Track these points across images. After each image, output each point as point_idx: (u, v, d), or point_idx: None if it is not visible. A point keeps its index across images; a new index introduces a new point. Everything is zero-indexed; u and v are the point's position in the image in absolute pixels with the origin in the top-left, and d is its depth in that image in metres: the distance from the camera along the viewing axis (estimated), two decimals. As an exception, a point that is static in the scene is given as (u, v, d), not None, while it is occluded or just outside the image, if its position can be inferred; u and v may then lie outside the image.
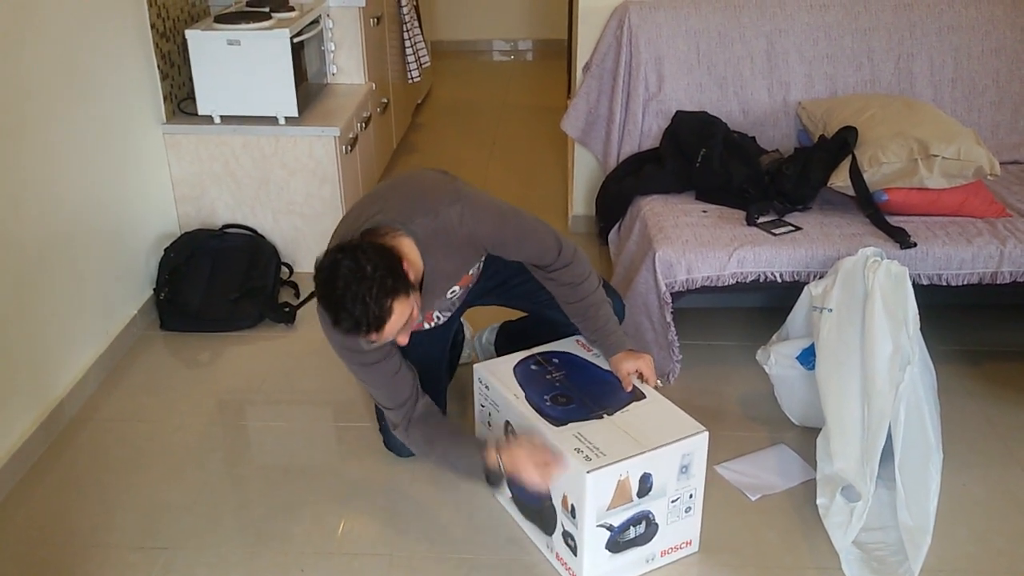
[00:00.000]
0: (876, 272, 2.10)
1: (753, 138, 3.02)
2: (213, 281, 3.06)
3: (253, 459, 2.40)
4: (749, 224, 2.66)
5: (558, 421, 1.95)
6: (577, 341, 2.26)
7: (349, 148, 3.29)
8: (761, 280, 2.56)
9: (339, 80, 3.69)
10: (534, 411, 2.00)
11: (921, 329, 2.07)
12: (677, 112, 3.06)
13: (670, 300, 2.55)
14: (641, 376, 2.09)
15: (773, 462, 2.35)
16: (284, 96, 3.14)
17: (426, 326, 2.18)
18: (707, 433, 1.94)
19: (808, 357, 2.32)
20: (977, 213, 2.65)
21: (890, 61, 3.10)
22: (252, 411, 2.60)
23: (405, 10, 4.40)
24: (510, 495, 2.14)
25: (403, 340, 1.84)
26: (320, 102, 3.43)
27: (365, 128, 3.56)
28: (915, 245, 2.52)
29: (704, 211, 2.76)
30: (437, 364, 2.32)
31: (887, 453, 2.01)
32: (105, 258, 2.79)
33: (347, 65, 3.67)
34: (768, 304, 3.02)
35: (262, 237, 3.25)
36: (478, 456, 1.92)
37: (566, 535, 1.93)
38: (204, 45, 3.08)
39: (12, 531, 2.14)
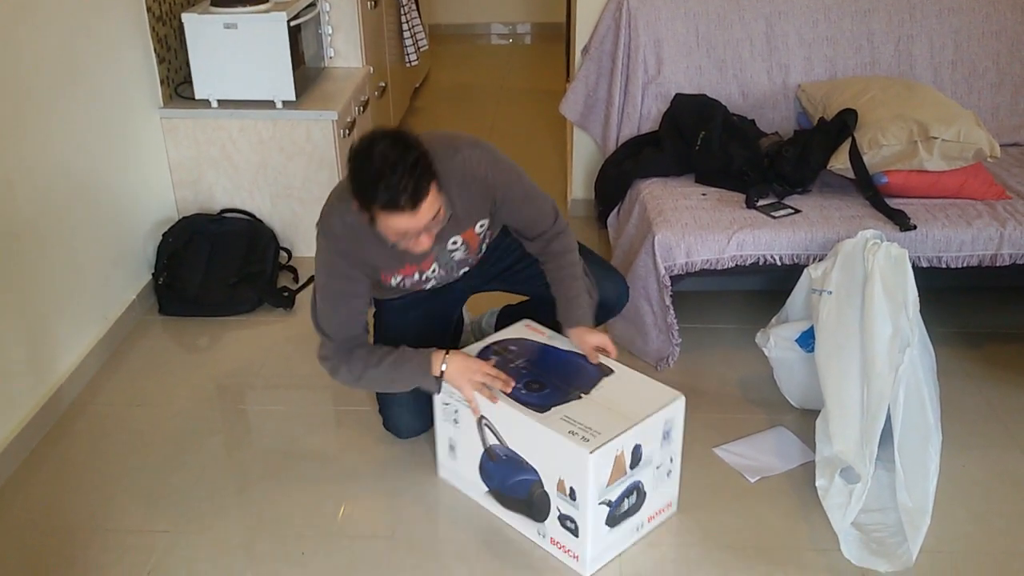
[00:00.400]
0: (876, 254, 2.10)
1: (752, 121, 3.01)
2: (211, 266, 3.05)
3: (253, 443, 2.40)
4: (748, 207, 2.65)
5: (541, 407, 1.93)
6: (526, 326, 2.24)
7: (347, 132, 3.28)
8: (760, 263, 2.56)
9: (336, 64, 3.67)
10: (512, 401, 1.96)
11: (921, 311, 2.07)
12: (676, 95, 3.05)
13: (669, 283, 2.55)
14: (603, 350, 2.10)
15: (772, 444, 2.36)
16: (281, 80, 3.13)
17: (418, 277, 2.12)
18: (683, 397, 1.99)
19: (807, 340, 2.32)
20: (977, 195, 2.64)
21: (890, 43, 3.09)
22: (251, 395, 2.61)
23: (403, -7, 4.38)
24: (486, 490, 2.12)
25: (426, 242, 1.85)
26: (317, 86, 3.41)
27: (363, 112, 3.54)
28: (915, 227, 2.52)
29: (703, 194, 2.75)
30: (440, 337, 2.32)
31: (886, 435, 2.01)
32: (103, 243, 2.79)
33: (344, 49, 3.65)
34: (767, 287, 3.02)
35: (260, 221, 3.25)
36: (424, 365, 1.98)
37: (564, 519, 1.93)
38: (201, 28, 3.06)
39: (12, 516, 2.15)
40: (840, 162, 2.64)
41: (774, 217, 2.59)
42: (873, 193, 2.63)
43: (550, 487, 1.93)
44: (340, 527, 2.10)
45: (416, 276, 2.12)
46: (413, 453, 2.33)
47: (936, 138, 2.54)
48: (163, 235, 3.08)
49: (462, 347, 2.65)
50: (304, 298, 3.08)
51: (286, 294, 3.05)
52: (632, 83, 3.13)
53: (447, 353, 2.01)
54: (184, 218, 3.18)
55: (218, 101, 3.15)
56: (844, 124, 2.67)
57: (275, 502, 2.18)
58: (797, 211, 2.62)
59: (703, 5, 3.09)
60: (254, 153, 3.19)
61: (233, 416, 2.51)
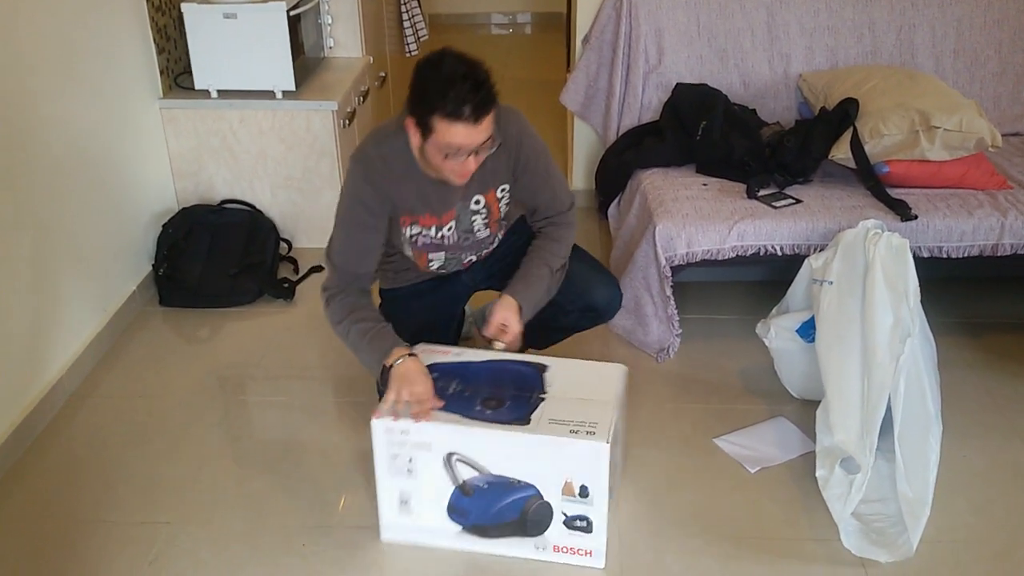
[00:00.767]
0: (877, 244, 2.09)
1: (754, 110, 3.00)
2: (212, 257, 3.05)
3: (253, 434, 2.40)
4: (749, 197, 2.65)
5: (520, 420, 1.84)
6: (425, 351, 2.06)
7: (347, 122, 3.27)
8: (761, 253, 2.55)
9: (336, 54, 3.66)
10: (486, 424, 1.84)
11: (921, 301, 2.07)
12: (677, 84, 3.04)
13: (670, 274, 2.55)
14: (502, 331, 2.07)
15: (773, 435, 2.35)
16: (281, 70, 3.12)
17: (434, 232, 2.08)
18: (627, 367, 2.04)
19: (808, 330, 2.32)
20: (978, 185, 2.63)
21: (891, 32, 3.08)
22: (252, 386, 2.61)
23: (402, -17, 4.36)
24: (459, 529, 1.97)
25: (472, 165, 1.86)
26: (317, 76, 3.40)
27: (363, 102, 3.53)
28: (916, 217, 2.51)
29: (704, 184, 2.75)
30: (443, 331, 2.32)
31: (887, 425, 2.01)
32: (103, 234, 2.78)
33: (344, 38, 3.64)
34: (768, 277, 3.02)
35: (260, 212, 3.24)
36: (385, 352, 1.93)
37: (572, 520, 1.89)
38: (200, 18, 3.05)
39: (13, 508, 2.15)
40: (841, 152, 2.63)
41: (775, 207, 2.59)
42: (874, 183, 2.62)
43: (552, 495, 1.88)
44: (341, 518, 2.10)
45: (432, 231, 2.08)
46: (414, 444, 2.33)
47: (938, 127, 2.53)
48: (163, 226, 3.08)
49: (463, 339, 2.67)
50: (304, 289, 3.08)
51: (286, 285, 3.05)
52: (633, 73, 3.12)
53: (410, 355, 1.94)
54: (184, 209, 3.17)
55: (218, 91, 3.14)
56: (845, 113, 2.66)
57: (276, 493, 2.18)
58: (798, 201, 2.62)
59: (704, -6, 3.08)
60: (254, 144, 3.18)
61: (234, 407, 2.51)
